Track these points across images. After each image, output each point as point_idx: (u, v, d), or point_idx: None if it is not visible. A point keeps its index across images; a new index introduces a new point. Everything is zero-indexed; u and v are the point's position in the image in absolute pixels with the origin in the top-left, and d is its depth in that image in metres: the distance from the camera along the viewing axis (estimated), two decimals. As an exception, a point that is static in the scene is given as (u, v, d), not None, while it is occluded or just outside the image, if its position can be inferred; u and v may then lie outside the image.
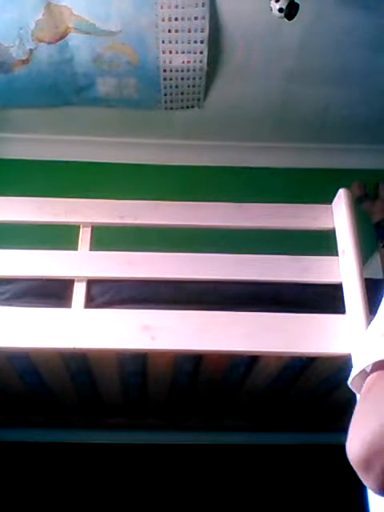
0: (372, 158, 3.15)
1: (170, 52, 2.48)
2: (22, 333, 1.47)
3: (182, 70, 2.59)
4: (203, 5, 2.25)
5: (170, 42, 2.42)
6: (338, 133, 3.09)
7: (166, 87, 2.71)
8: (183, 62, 2.54)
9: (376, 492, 0.63)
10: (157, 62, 2.54)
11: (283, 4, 1.96)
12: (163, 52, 2.48)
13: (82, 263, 1.61)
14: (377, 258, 2.17)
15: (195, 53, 2.48)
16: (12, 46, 2.45)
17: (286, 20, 2.01)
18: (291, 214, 1.73)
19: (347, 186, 1.71)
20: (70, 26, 2.35)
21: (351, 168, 3.09)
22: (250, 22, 2.37)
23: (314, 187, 2.72)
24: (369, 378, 0.70)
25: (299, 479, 2.47)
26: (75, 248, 1.66)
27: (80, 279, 1.57)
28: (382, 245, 2.08)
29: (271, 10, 2.00)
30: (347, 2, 2.27)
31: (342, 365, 1.60)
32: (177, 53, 2.48)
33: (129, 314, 1.50)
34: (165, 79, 2.65)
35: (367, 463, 0.62)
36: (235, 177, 3.10)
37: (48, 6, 2.26)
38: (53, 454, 2.45)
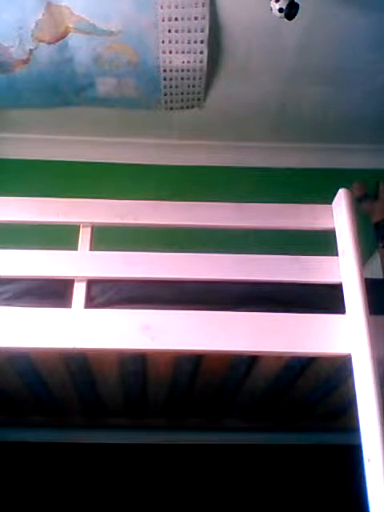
0: (372, 158, 3.15)
1: (170, 52, 2.48)
2: (22, 333, 1.47)
3: (182, 70, 2.59)
4: (203, 5, 2.26)
5: (170, 41, 2.42)
6: (338, 133, 3.09)
7: (165, 87, 2.71)
8: (183, 62, 2.54)
9: None
10: (157, 62, 2.54)
11: (283, 4, 1.96)
12: (163, 52, 2.48)
13: (82, 263, 1.61)
14: (377, 257, 2.17)
15: (195, 53, 2.48)
16: (12, 46, 2.45)
17: (285, 20, 2.01)
18: (291, 214, 1.72)
19: (347, 186, 1.70)
20: (70, 26, 2.36)
21: (351, 168, 3.10)
22: (250, 21, 2.37)
23: (314, 187, 2.72)
24: None
25: (299, 479, 2.46)
26: (75, 248, 1.66)
27: (80, 279, 1.57)
28: (382, 245, 2.08)
29: (271, 10, 2.00)
30: (347, 1, 2.27)
31: (341, 365, 1.60)
32: (177, 53, 2.48)
33: (129, 314, 1.50)
34: (165, 79, 2.66)
35: None
36: (235, 177, 3.10)
37: (48, 6, 2.26)
38: (53, 454, 2.45)
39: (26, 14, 2.30)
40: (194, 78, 2.66)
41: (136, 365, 1.78)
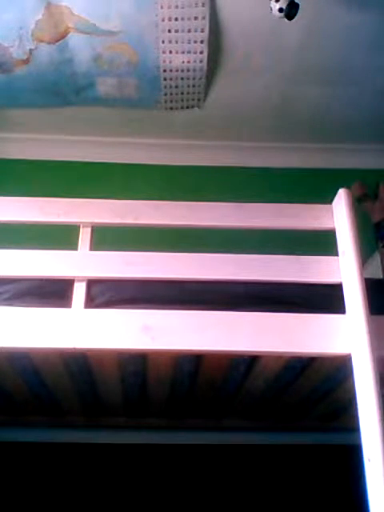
0: (372, 158, 3.15)
1: (170, 52, 2.48)
2: (22, 333, 1.47)
3: (182, 70, 2.59)
4: (203, 5, 2.26)
5: (170, 41, 2.42)
6: (338, 133, 3.09)
7: (166, 87, 2.71)
8: (183, 62, 2.54)
9: None
10: (157, 62, 2.54)
11: (283, 4, 1.96)
12: (163, 52, 2.48)
13: (81, 263, 1.61)
14: (377, 257, 2.17)
15: (195, 53, 2.48)
16: (12, 46, 2.45)
17: (286, 20, 2.01)
18: (291, 214, 1.73)
19: (347, 186, 1.70)
20: (70, 26, 2.36)
21: (351, 168, 3.10)
22: (250, 21, 2.37)
23: (314, 187, 2.72)
24: None
25: (299, 479, 2.46)
26: (75, 248, 1.66)
27: (80, 279, 1.57)
28: (382, 245, 2.08)
29: (271, 10, 2.00)
30: (347, 1, 2.27)
31: (341, 365, 1.60)
32: (177, 53, 2.48)
33: (129, 314, 1.50)
34: (165, 79, 2.66)
35: None
36: (235, 177, 3.10)
37: (48, 6, 2.26)
38: (53, 454, 2.45)
39: (25, 14, 2.30)
40: (194, 78, 2.66)
41: (136, 365, 1.78)
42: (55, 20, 2.32)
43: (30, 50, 2.47)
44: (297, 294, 1.59)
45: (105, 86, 2.71)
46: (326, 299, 1.56)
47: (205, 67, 2.58)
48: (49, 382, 1.96)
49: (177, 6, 2.26)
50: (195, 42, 2.43)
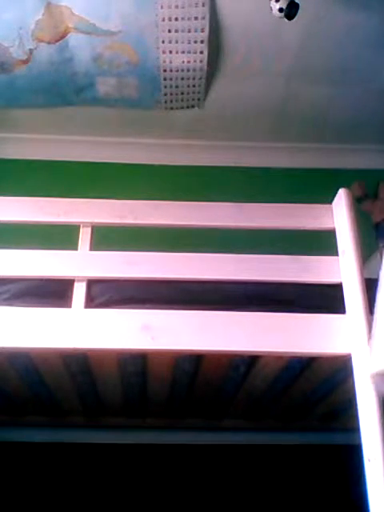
0: (372, 158, 3.15)
1: (170, 52, 2.48)
2: (22, 333, 1.47)
3: (182, 70, 2.59)
4: (203, 5, 2.26)
5: (170, 41, 2.42)
6: (338, 133, 3.09)
7: (166, 87, 2.71)
8: (183, 62, 2.54)
9: None
10: (157, 62, 2.54)
11: (283, 4, 1.96)
12: (163, 52, 2.48)
13: (81, 263, 1.61)
14: (377, 257, 2.17)
15: (195, 53, 2.48)
16: (12, 46, 2.45)
17: (285, 20, 2.01)
18: (291, 213, 1.73)
19: (347, 186, 1.70)
20: (70, 25, 2.36)
21: (351, 168, 3.10)
22: (250, 21, 2.37)
23: (314, 187, 2.72)
24: None
25: (299, 479, 2.46)
26: (75, 248, 1.66)
27: (80, 279, 1.57)
28: (382, 245, 2.09)
29: (271, 10, 2.00)
30: (347, 1, 2.27)
31: (341, 365, 1.60)
32: (177, 53, 2.48)
33: (129, 314, 1.50)
34: (165, 79, 2.66)
35: None
36: (235, 177, 3.10)
37: (48, 5, 2.26)
38: (53, 454, 2.45)
39: (26, 14, 2.30)
40: (194, 78, 2.66)
41: (136, 365, 1.78)
42: (55, 20, 2.32)
43: (30, 49, 2.47)
44: (297, 293, 1.59)
45: (105, 85, 2.71)
46: (326, 299, 1.57)
47: (205, 67, 2.58)
48: (49, 381, 1.96)
49: (177, 6, 2.26)
50: (195, 42, 2.43)
